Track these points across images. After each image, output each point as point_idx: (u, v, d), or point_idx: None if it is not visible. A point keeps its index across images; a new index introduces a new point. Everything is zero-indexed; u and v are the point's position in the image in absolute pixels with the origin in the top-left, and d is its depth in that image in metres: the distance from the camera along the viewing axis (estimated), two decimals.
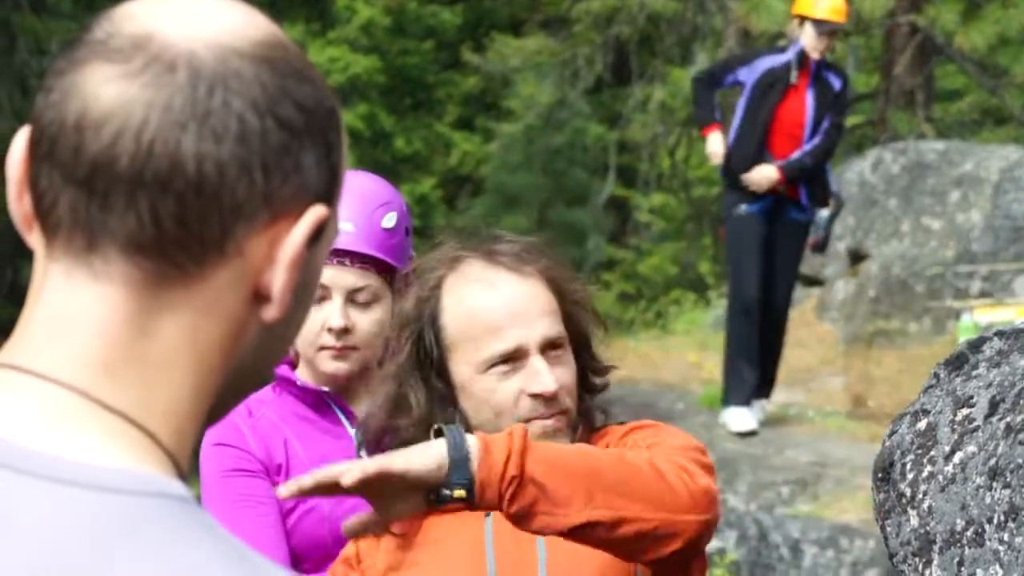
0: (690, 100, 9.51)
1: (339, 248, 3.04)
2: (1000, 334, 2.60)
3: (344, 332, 3.04)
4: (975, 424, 2.42)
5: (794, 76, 8.98)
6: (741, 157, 9.07)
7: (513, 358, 2.57)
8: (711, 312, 16.65)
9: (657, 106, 24.67)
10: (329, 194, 1.18)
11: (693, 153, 24.20)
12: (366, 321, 3.06)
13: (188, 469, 1.16)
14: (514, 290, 2.61)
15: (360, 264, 3.06)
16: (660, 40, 24.71)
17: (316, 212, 1.16)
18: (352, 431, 3.12)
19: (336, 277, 3.05)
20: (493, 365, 2.57)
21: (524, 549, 2.55)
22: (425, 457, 2.25)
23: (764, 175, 9.01)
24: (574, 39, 23.01)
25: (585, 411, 2.67)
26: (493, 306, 2.59)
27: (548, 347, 2.59)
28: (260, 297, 1.15)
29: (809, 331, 14.35)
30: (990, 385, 2.45)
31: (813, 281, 15.88)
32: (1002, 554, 2.20)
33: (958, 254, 13.21)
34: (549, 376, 2.56)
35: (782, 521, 8.48)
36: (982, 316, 10.78)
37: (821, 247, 9.49)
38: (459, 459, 2.26)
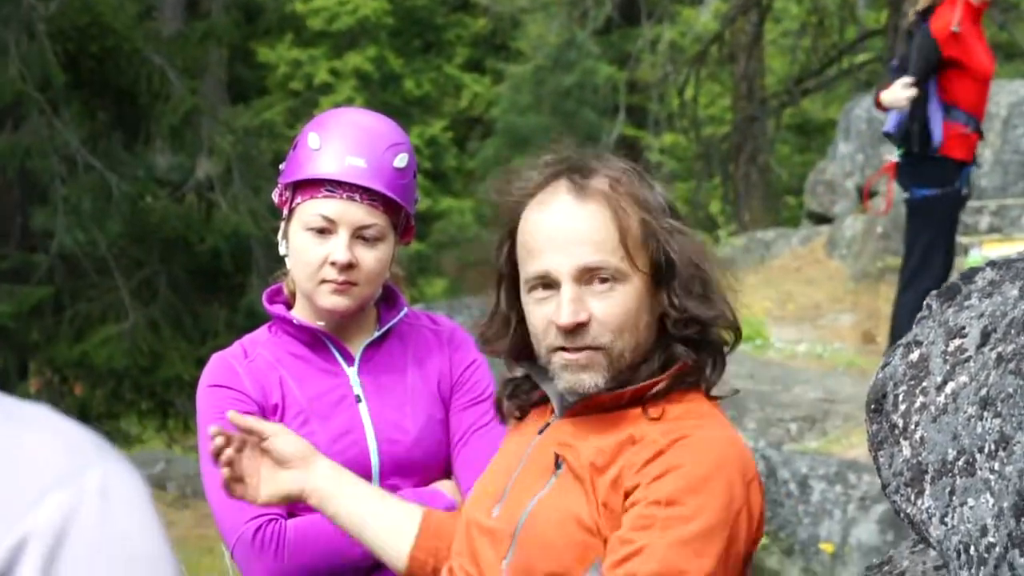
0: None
1: (349, 183, 3.03)
2: (992, 264, 2.60)
3: (347, 267, 3.03)
4: (967, 354, 2.42)
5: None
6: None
7: (549, 284, 2.54)
8: (720, 251, 16.63)
9: (666, 46, 24.61)
10: None
11: (702, 92, 24.15)
12: (370, 258, 3.05)
13: None
14: (564, 216, 2.55)
15: (370, 201, 3.05)
16: None
17: None
18: (348, 370, 3.13)
19: (344, 212, 3.04)
20: (532, 288, 2.56)
21: (532, 489, 2.56)
22: None
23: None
24: None
25: (666, 358, 2.57)
26: (539, 229, 2.56)
27: (588, 277, 2.52)
28: None
29: (818, 268, 14.35)
30: (982, 315, 2.45)
31: (822, 218, 15.85)
32: (992, 483, 2.21)
33: None
34: (567, 308, 2.50)
35: (790, 457, 8.49)
36: (991, 251, 10.74)
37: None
38: None
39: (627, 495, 2.41)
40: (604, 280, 2.52)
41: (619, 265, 2.52)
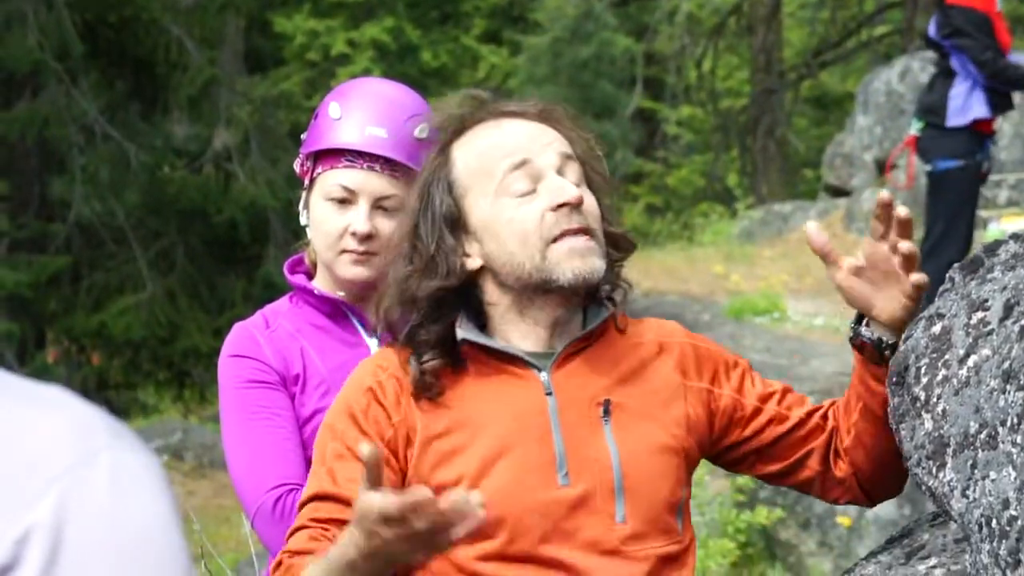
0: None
1: (370, 152, 3.03)
2: (1016, 237, 2.59)
3: (367, 238, 3.03)
4: (989, 327, 2.42)
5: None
6: (996, 96, 8.63)
7: (530, 178, 2.58)
8: (737, 224, 16.61)
9: (684, 17, 24.55)
10: None
11: (720, 64, 24.08)
12: (389, 228, 3.04)
13: None
14: (523, 126, 2.66)
15: (390, 171, 3.05)
16: None
17: None
18: (369, 340, 3.12)
19: (365, 182, 3.04)
20: (510, 187, 2.58)
21: (596, 443, 2.56)
22: None
23: None
24: None
25: (612, 267, 2.66)
26: (503, 137, 2.64)
27: (565, 167, 2.62)
28: None
29: (836, 242, 14.29)
30: (1005, 288, 2.44)
31: (840, 191, 15.82)
32: (1015, 456, 2.20)
33: None
34: (571, 184, 2.59)
35: None
36: (1009, 224, 10.72)
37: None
38: None
39: (711, 394, 2.70)
40: (575, 173, 2.64)
41: (578, 158, 2.66)
